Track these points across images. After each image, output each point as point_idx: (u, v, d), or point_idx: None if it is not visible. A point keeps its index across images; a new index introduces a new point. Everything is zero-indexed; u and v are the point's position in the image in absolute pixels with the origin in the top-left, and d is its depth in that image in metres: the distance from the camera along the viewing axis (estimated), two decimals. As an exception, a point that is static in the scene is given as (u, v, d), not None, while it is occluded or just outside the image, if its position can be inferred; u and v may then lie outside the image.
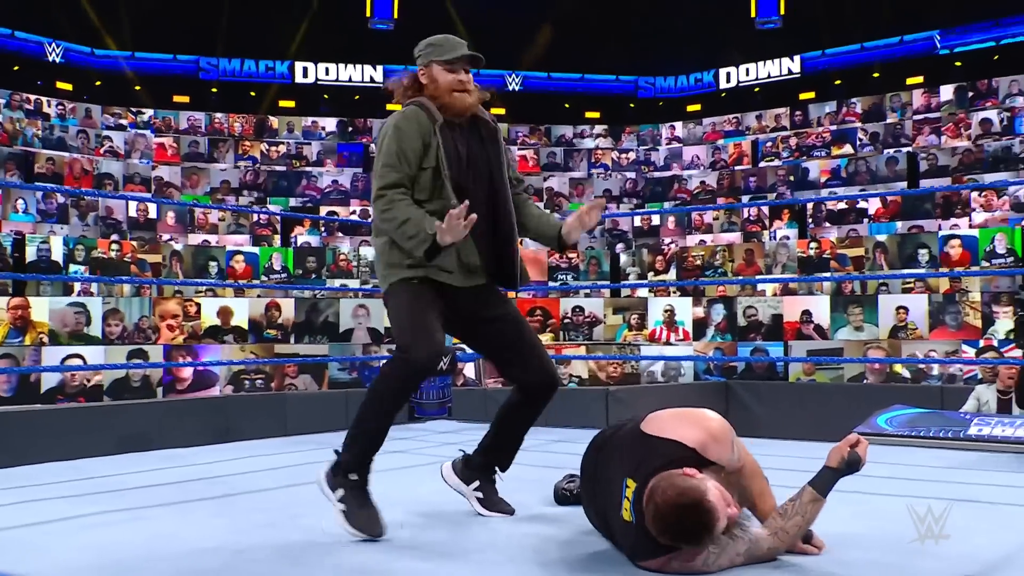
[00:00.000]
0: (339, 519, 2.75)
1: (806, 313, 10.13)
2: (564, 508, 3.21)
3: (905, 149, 12.89)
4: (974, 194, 11.73)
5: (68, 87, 13.38)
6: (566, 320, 10.68)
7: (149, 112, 13.78)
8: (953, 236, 10.51)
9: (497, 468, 3.19)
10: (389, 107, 14.60)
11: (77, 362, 9.19)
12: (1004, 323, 9.29)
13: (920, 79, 13.23)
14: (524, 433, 3.20)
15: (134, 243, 11.24)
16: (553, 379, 3.10)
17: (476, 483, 3.16)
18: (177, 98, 14.07)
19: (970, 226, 11.39)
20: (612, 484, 2.45)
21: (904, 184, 12.50)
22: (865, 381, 9.54)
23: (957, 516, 3.01)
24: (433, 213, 2.85)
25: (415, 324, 2.87)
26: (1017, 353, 8.94)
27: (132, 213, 12.65)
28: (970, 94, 12.75)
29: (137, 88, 13.93)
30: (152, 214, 12.79)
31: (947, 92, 12.91)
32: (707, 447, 2.38)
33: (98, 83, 13.73)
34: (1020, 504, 3.26)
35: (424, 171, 2.91)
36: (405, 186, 2.89)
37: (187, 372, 9.69)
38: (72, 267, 10.47)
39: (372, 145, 14.37)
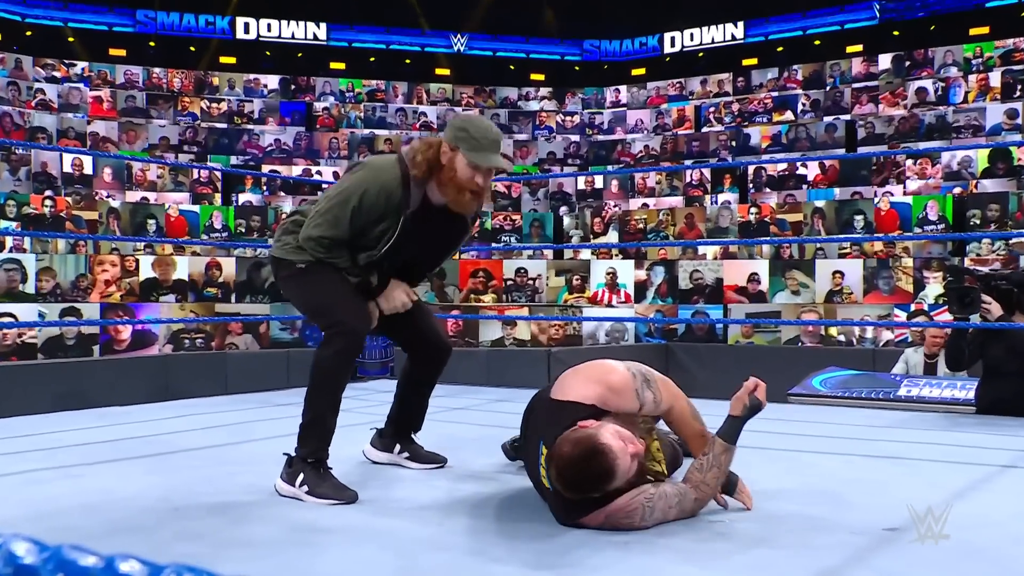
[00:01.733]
0: (309, 500, 2.72)
1: (754, 275, 10.28)
2: (504, 465, 3.26)
3: (844, 117, 13.09)
4: (909, 162, 11.98)
5: (-2, 37, 12.96)
6: (508, 282, 10.71)
7: (84, 65, 13.40)
8: (887, 202, 10.73)
9: (411, 431, 3.32)
10: (332, 65, 14.48)
11: (8, 320, 8.99)
12: (934, 288, 9.54)
13: (859, 47, 13.41)
14: (428, 397, 3.34)
15: (69, 199, 10.99)
16: (446, 344, 3.26)
17: (397, 447, 3.28)
18: (113, 51, 13.70)
19: (904, 193, 11.64)
20: (532, 448, 2.54)
21: (843, 151, 12.72)
22: (800, 344, 9.76)
23: (885, 472, 3.16)
24: (361, 253, 2.94)
25: (346, 299, 2.91)
26: (946, 317, 9.23)
27: (67, 168, 12.34)
28: (907, 63, 12.97)
29: (71, 40, 13.53)
30: (88, 169, 12.49)
31: (885, 61, 13.12)
32: (607, 400, 2.44)
33: (29, 33, 13.30)
34: (944, 461, 3.39)
35: (373, 226, 2.89)
36: (339, 244, 2.89)
37: (126, 332, 9.54)
38: (2, 223, 10.20)
39: (315, 104, 14.18)
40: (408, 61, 14.96)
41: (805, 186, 12.69)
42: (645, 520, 2.35)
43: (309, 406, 2.84)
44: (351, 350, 2.88)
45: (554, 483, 2.31)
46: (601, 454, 2.22)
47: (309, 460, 2.76)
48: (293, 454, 2.82)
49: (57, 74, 13.21)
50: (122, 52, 13.75)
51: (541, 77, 15.13)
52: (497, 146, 2.86)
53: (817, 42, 13.83)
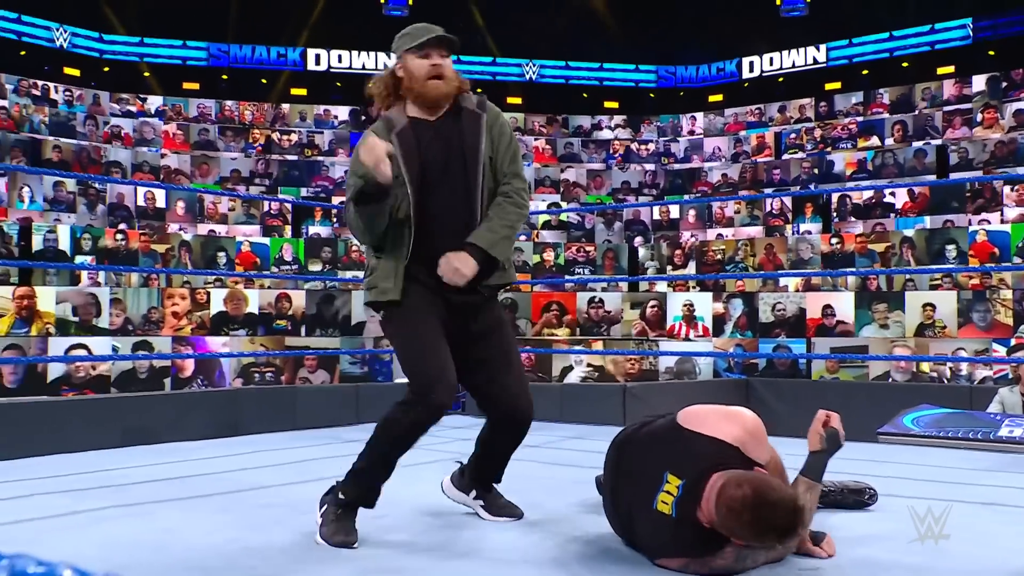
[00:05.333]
0: (318, 532, 2.67)
1: (828, 307, 9.90)
2: (580, 509, 3.16)
3: (935, 141, 12.58)
4: (1006, 188, 11.41)
5: (76, 73, 13.20)
6: (583, 316, 10.43)
7: (158, 99, 13.57)
8: (982, 231, 10.26)
9: (489, 481, 3.08)
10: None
11: (82, 352, 8.99)
12: (1037, 321, 9.02)
13: (951, 69, 12.93)
14: (510, 455, 3.04)
15: (142, 233, 11.04)
16: (524, 415, 2.88)
17: (474, 492, 3.07)
18: (187, 85, 13.88)
19: (1002, 221, 11.09)
20: (645, 477, 2.44)
21: (933, 178, 12.22)
22: (891, 380, 9.29)
23: (985, 519, 3.02)
24: (404, 221, 2.73)
25: (429, 359, 2.69)
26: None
27: (140, 202, 12.44)
28: (1003, 84, 12.41)
29: (146, 75, 13.74)
30: (160, 203, 12.58)
31: (979, 82, 12.59)
32: (747, 445, 2.41)
33: (106, 69, 13.53)
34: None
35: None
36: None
37: (190, 364, 9.48)
38: (79, 257, 10.27)
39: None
40: (480, 90, 14.82)
41: (893, 214, 12.18)
42: (736, 565, 2.31)
43: (366, 454, 2.74)
44: (428, 423, 2.69)
45: (724, 517, 2.21)
46: (801, 511, 2.22)
47: (341, 497, 2.70)
48: (340, 482, 2.76)
49: (132, 108, 13.40)
50: (195, 85, 13.91)
51: (615, 104, 14.92)
52: (434, 28, 2.83)
53: (905, 64, 13.38)
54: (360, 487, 2.71)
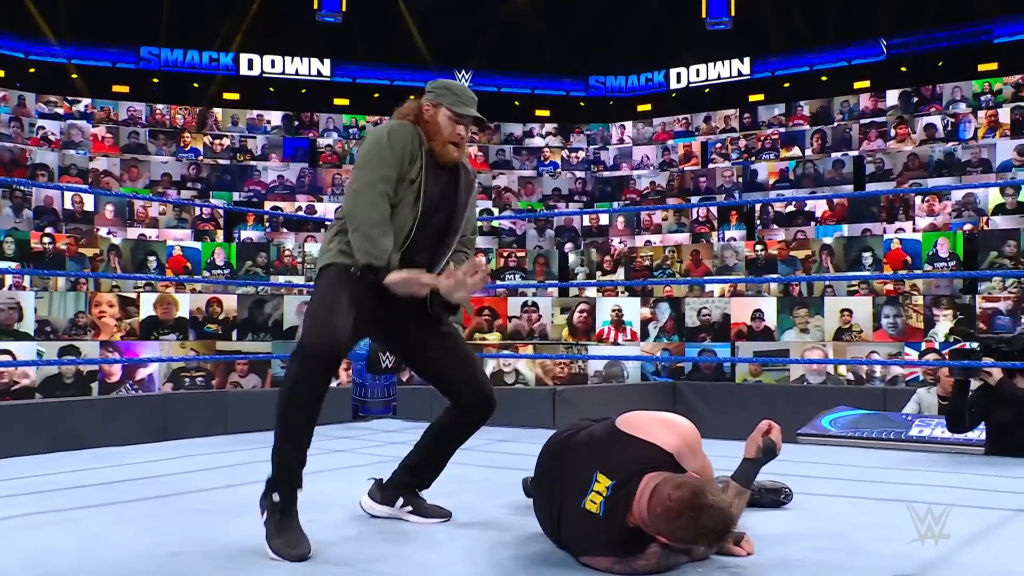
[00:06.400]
0: (266, 550, 2.57)
1: (758, 311, 10.16)
2: (510, 511, 3.15)
3: (852, 153, 13.02)
4: (918, 199, 11.87)
5: (0, 74, 12.93)
6: (513, 319, 10.58)
7: (86, 101, 13.39)
8: (897, 239, 10.64)
9: (418, 488, 3.08)
10: (336, 101, 14.48)
11: (6, 358, 8.85)
12: (944, 325, 9.40)
13: (867, 83, 13.38)
14: (453, 453, 3.11)
15: (69, 236, 10.89)
16: (491, 398, 3.01)
17: (400, 500, 3.05)
18: (117, 88, 13.69)
19: (914, 230, 11.53)
20: (576, 477, 2.46)
21: (851, 187, 12.64)
22: (806, 383, 9.60)
23: (896, 515, 3.08)
24: (405, 221, 2.84)
25: (318, 314, 2.74)
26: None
27: (68, 205, 12.26)
28: (915, 99, 12.92)
29: (74, 76, 13.52)
30: (89, 206, 12.41)
31: (893, 97, 13.07)
32: (682, 454, 2.45)
33: (32, 70, 13.29)
34: (957, 504, 3.27)
35: (401, 182, 2.85)
36: (390, 181, 2.82)
37: (117, 369, 9.39)
38: (2, 262, 10.09)
39: (319, 139, 14.16)
40: (412, 97, 14.88)
41: (813, 223, 12.59)
42: (659, 564, 2.34)
43: (276, 431, 2.70)
44: (308, 372, 2.67)
45: (656, 520, 2.26)
46: (731, 519, 2.25)
47: (275, 499, 2.62)
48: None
49: (60, 111, 13.19)
50: (125, 88, 13.74)
51: (546, 113, 15.11)
52: (474, 102, 2.99)
53: (824, 78, 13.80)
54: (283, 467, 2.66)
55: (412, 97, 3.11)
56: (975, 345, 4.61)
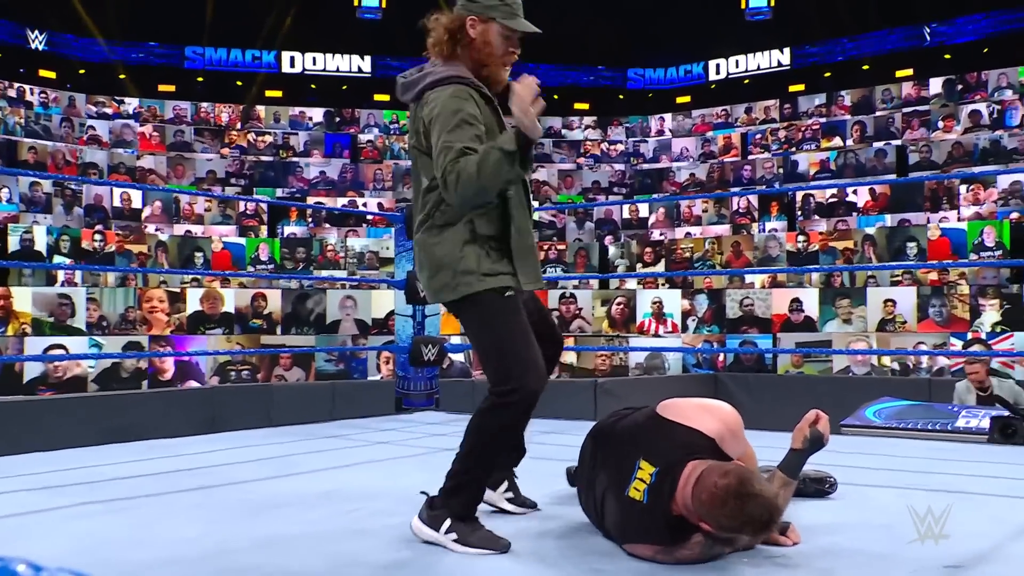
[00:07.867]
0: (459, 549, 2.47)
1: (795, 301, 10.11)
2: (554, 500, 3.16)
3: (894, 142, 12.87)
4: (963, 187, 11.71)
5: (51, 75, 13.21)
6: (554, 312, 10.64)
7: (134, 101, 13.65)
8: (938, 229, 10.52)
9: (514, 464, 3.00)
10: (377, 97, 14.59)
11: (60, 352, 9.10)
12: (991, 315, 9.30)
13: (909, 72, 13.19)
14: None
15: (118, 233, 11.13)
16: (559, 336, 2.91)
17: (505, 484, 2.97)
18: (162, 87, 13.93)
19: (959, 219, 11.39)
20: (619, 465, 2.46)
21: (893, 177, 12.49)
22: (850, 374, 9.55)
23: (941, 506, 3.00)
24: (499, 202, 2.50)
25: (525, 350, 2.47)
26: (1006, 346, 8.99)
27: (116, 203, 12.53)
28: (959, 87, 12.73)
29: (121, 76, 13.78)
30: (136, 204, 12.68)
31: (936, 85, 12.90)
32: (724, 439, 2.43)
33: (82, 71, 13.57)
34: (1007, 495, 3.23)
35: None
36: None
37: (169, 363, 9.60)
38: (56, 258, 10.35)
39: (360, 135, 14.30)
40: (441, 10, 14.98)
41: (855, 213, 12.47)
42: (703, 554, 2.32)
43: (466, 465, 2.54)
44: (526, 411, 2.49)
45: (701, 507, 2.23)
46: (777, 509, 2.23)
47: (460, 509, 2.53)
48: (439, 495, 2.58)
49: (108, 111, 13.46)
50: (171, 88, 13.97)
51: (585, 106, 15.09)
52: (522, 13, 2.58)
53: (865, 67, 13.63)
54: (466, 496, 2.52)
55: (441, 10, 2.56)
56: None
